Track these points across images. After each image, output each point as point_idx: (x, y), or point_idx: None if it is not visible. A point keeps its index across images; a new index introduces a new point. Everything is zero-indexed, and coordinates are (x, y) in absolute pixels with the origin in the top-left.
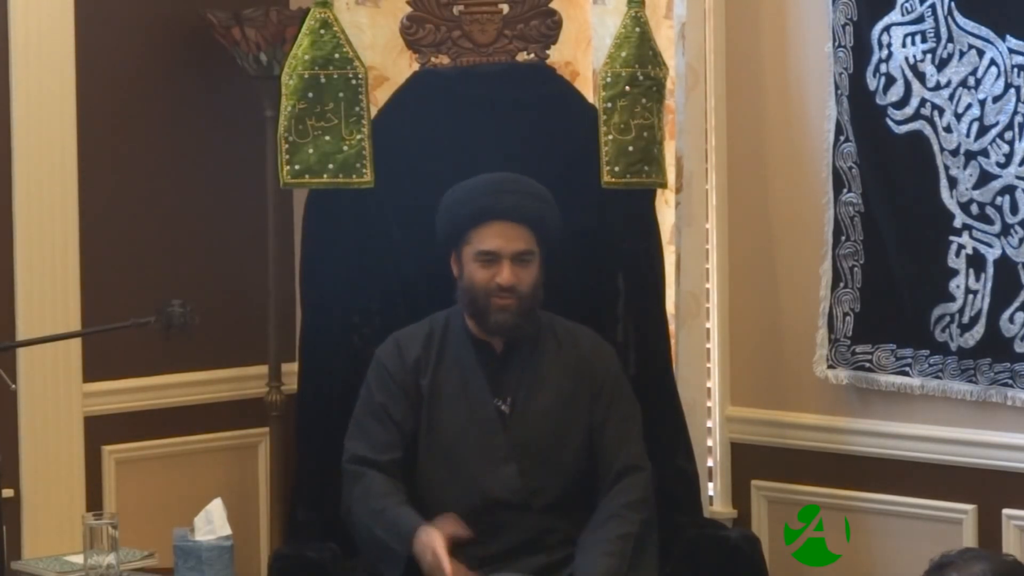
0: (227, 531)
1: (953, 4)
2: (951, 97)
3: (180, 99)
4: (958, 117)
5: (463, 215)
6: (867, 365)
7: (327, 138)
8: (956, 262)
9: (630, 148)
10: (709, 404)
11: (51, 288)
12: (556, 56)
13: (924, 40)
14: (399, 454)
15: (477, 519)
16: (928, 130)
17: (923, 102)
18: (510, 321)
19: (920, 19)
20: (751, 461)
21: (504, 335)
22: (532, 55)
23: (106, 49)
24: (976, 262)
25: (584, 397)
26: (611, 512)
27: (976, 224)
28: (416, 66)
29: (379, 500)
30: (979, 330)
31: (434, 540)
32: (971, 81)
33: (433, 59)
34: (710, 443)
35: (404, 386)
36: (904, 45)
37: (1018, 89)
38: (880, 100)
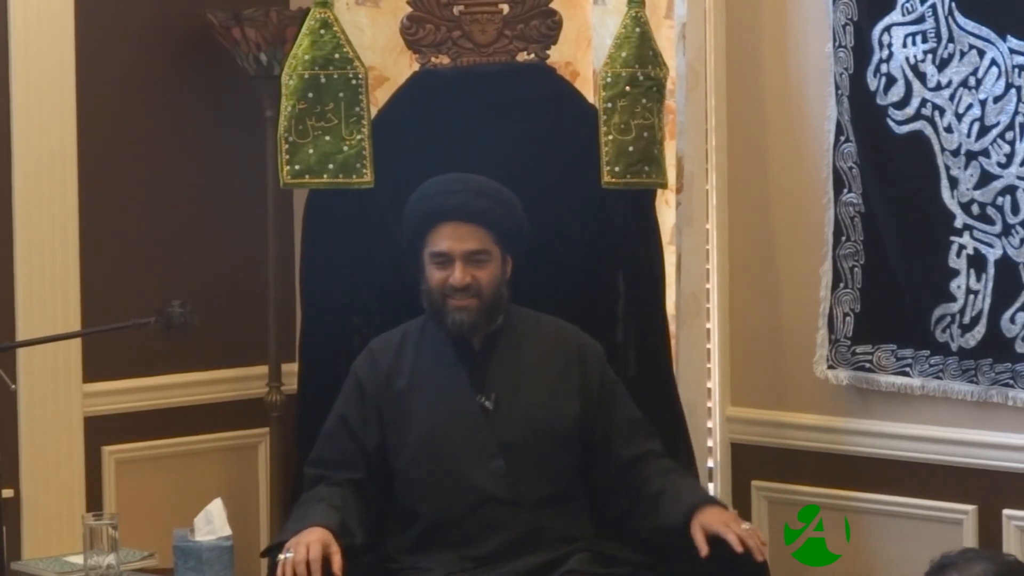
0: (227, 531)
1: (954, 4)
2: (952, 97)
3: (180, 99)
4: (959, 117)
5: (417, 218)
6: (867, 365)
7: (327, 138)
8: (957, 262)
9: (630, 148)
10: (709, 404)
11: (51, 288)
12: (556, 56)
13: (925, 40)
14: (357, 475)
15: (468, 517)
16: (929, 130)
17: (924, 102)
18: (468, 321)
19: (921, 19)
20: (751, 461)
21: (462, 335)
22: (532, 55)
23: (106, 49)
24: (977, 262)
25: (571, 391)
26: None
27: (977, 224)
28: (416, 66)
29: (308, 496)
30: (980, 330)
31: (313, 541)
32: (972, 81)
33: (433, 59)
34: (710, 443)
35: (376, 397)
36: (905, 45)
37: (1019, 89)
38: (881, 100)
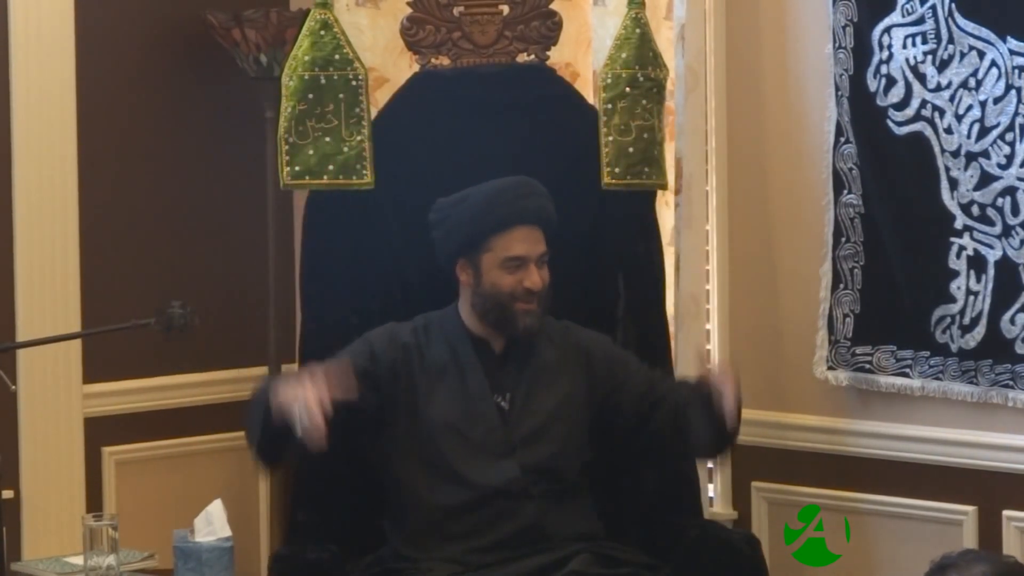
0: (227, 532)
1: (954, 5)
2: (952, 98)
3: (180, 100)
4: (959, 118)
5: (487, 223)
6: (867, 366)
7: (327, 139)
8: (957, 263)
9: (630, 149)
10: None
11: (51, 288)
12: (556, 57)
13: (925, 41)
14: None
15: (474, 509)
16: (929, 131)
17: (924, 103)
18: (535, 324)
19: (921, 20)
20: (751, 462)
21: (531, 337)
22: (532, 56)
23: (106, 49)
24: (977, 263)
25: (582, 387)
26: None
27: (977, 225)
28: (416, 67)
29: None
30: (980, 331)
31: (308, 391)
32: (972, 82)
33: (433, 60)
34: None
35: (383, 360)
36: (905, 46)
37: (1019, 90)
38: (880, 101)
